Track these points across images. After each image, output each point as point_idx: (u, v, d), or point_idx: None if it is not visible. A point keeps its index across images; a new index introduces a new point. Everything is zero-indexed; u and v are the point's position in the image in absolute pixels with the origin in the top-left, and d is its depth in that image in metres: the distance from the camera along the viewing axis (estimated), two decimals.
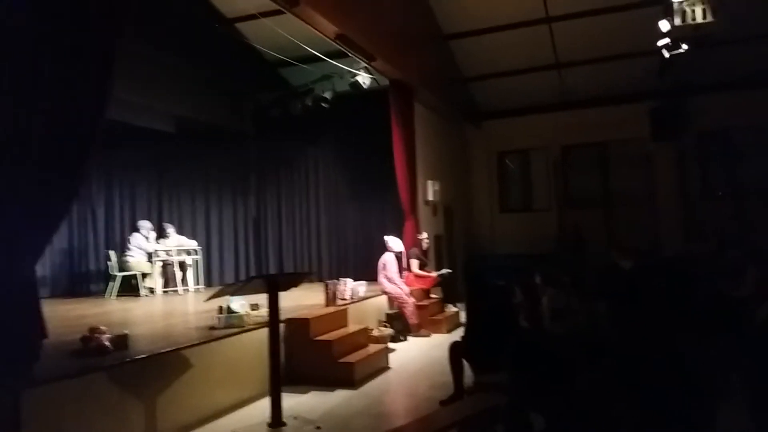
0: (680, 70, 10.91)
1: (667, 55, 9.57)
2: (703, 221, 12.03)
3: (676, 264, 8.07)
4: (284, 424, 4.83)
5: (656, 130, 12.57)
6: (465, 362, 5.30)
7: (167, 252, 10.70)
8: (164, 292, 10.60)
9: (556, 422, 3.26)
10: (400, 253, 9.12)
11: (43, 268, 10.39)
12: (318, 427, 4.85)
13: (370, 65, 9.24)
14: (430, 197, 11.23)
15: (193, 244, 11.13)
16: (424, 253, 9.89)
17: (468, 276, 11.72)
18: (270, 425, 4.81)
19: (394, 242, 8.91)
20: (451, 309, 9.84)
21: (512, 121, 14.12)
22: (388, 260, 8.75)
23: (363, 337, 7.13)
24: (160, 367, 4.83)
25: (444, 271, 10.21)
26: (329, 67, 9.73)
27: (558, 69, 12.55)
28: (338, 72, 9.81)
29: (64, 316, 7.45)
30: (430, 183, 11.23)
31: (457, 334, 6.60)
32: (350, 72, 9.60)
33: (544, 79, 12.82)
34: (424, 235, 9.98)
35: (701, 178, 12.92)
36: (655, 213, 12.89)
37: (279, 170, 12.01)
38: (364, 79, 9.62)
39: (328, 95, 10.35)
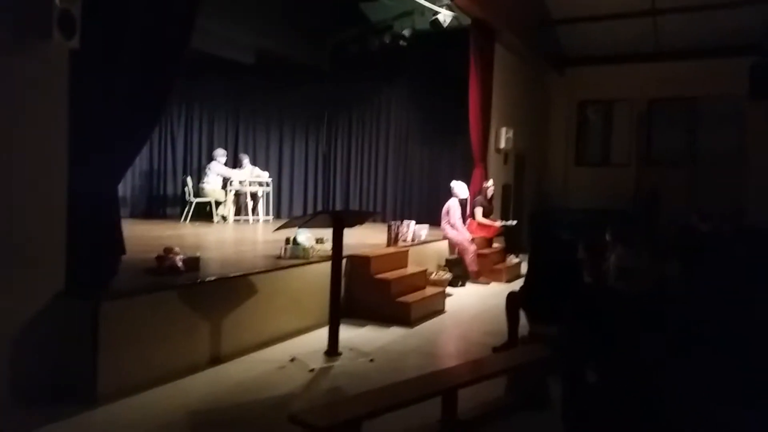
0: None
1: None
2: None
3: (759, 232, 7.64)
4: (340, 354, 5.02)
5: (755, 87, 11.66)
6: (521, 312, 5.30)
7: (240, 182, 11.06)
8: (236, 220, 11.02)
9: (609, 379, 3.22)
10: (465, 199, 9.03)
11: (123, 190, 10.97)
12: (371, 360, 5.01)
13: (453, 2, 8.94)
14: (503, 145, 10.98)
15: (265, 175, 11.43)
16: (489, 201, 9.74)
17: (533, 228, 11.53)
18: (327, 353, 5.00)
19: (459, 188, 8.81)
20: (513, 259, 9.75)
21: (598, 70, 13.45)
22: (452, 206, 8.70)
23: (421, 279, 7.21)
24: (227, 290, 5.06)
25: (509, 222, 10.05)
26: (410, 4, 9.49)
27: (654, 16, 11.77)
28: (419, 9, 9.56)
29: (141, 235, 7.86)
30: (503, 130, 10.96)
31: (517, 285, 6.56)
32: (431, 9, 9.34)
33: (637, 26, 12.08)
34: (490, 182, 9.79)
35: None
36: (743, 177, 12.14)
37: (352, 108, 12.05)
38: (445, 17, 9.34)
39: (407, 33, 10.14)
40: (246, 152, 11.96)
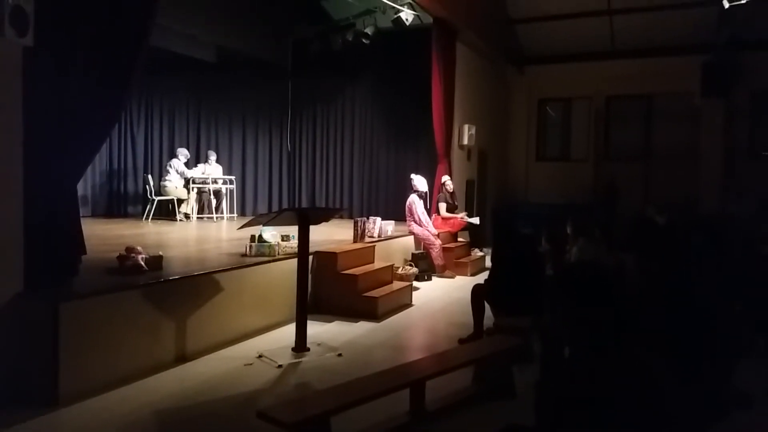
0: (739, 23, 10.36)
1: (726, 5, 9.09)
2: (746, 182, 11.67)
3: (713, 222, 7.92)
4: (308, 350, 5.01)
5: (707, 85, 12.05)
6: (486, 305, 5.39)
7: (203, 180, 10.92)
8: (199, 218, 10.88)
9: (580, 353, 3.28)
10: (426, 193, 9.09)
11: (84, 188, 10.74)
12: (340, 355, 5.03)
13: (414, 1, 8.99)
14: (465, 141, 11.10)
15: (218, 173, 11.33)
16: (451, 196, 9.84)
17: (496, 222, 11.70)
18: (294, 349, 4.99)
19: (419, 181, 8.88)
20: (477, 253, 9.88)
21: (557, 68, 13.70)
22: (414, 202, 8.77)
23: (388, 274, 7.25)
24: (192, 288, 5.01)
25: (473, 219, 10.10)
26: (372, 2, 9.51)
27: (610, 15, 12.06)
28: (381, 7, 9.59)
29: (103, 235, 7.72)
30: (466, 127, 11.08)
31: (481, 278, 6.66)
32: (394, 7, 9.38)
33: (594, 25, 12.36)
34: (446, 178, 9.82)
35: (749, 138, 12.43)
36: (695, 170, 12.54)
37: (315, 106, 12.02)
38: (407, 15, 9.39)
39: (369, 31, 10.16)
40: (208, 149, 11.84)
